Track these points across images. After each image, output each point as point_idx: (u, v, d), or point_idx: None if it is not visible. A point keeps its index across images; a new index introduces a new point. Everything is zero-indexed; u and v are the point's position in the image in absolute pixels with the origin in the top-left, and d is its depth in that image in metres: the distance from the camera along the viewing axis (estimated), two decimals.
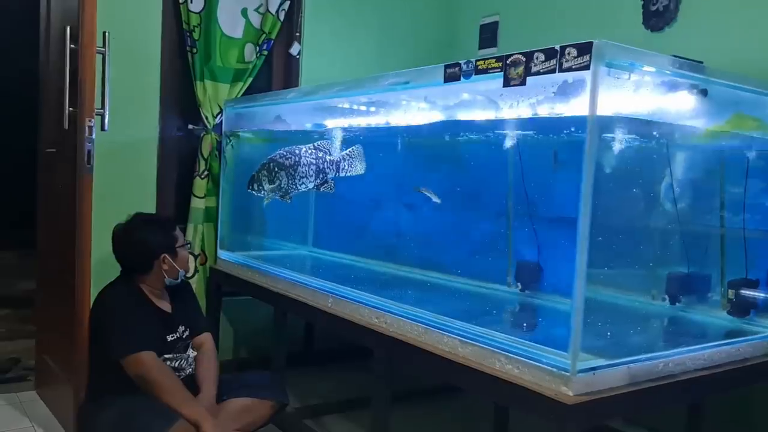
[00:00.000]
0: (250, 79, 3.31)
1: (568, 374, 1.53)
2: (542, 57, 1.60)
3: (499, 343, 1.71)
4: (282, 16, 3.37)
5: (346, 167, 2.57)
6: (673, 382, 1.71)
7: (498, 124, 2.02)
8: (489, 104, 2.09)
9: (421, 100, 2.19)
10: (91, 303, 2.35)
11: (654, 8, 2.81)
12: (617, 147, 1.69)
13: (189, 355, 2.41)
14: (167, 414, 2.10)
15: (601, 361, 1.58)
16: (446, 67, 1.88)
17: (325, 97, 2.57)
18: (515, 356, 1.65)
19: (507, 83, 1.70)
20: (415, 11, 3.88)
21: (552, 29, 3.33)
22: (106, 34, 2.34)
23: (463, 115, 2.14)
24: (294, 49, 3.52)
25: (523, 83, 1.65)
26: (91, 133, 2.26)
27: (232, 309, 3.36)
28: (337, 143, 2.62)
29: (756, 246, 2.03)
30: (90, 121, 2.24)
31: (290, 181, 2.58)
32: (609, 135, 1.69)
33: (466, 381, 1.78)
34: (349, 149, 2.57)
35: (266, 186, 2.64)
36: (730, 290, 1.99)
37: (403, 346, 1.98)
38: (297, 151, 2.57)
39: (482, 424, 2.77)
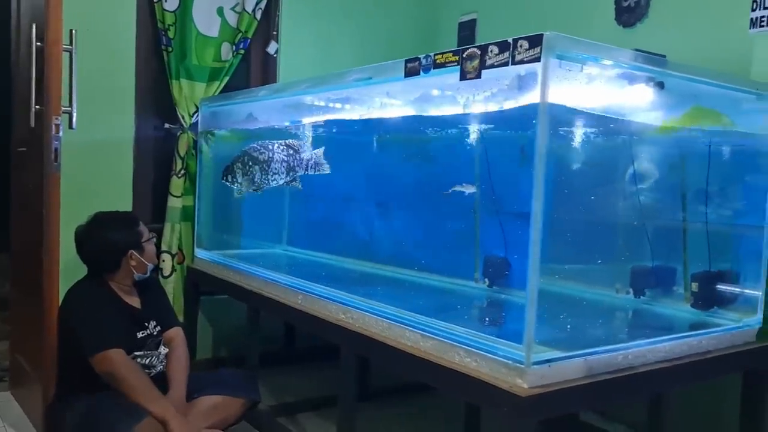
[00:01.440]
0: (227, 78, 3.31)
1: (522, 366, 1.53)
2: (496, 50, 1.60)
3: (458, 336, 1.71)
4: (259, 15, 3.37)
5: (314, 165, 2.58)
6: (632, 375, 1.71)
7: (459, 118, 2.03)
8: (449, 99, 2.10)
9: (384, 95, 2.19)
10: (60, 302, 2.35)
11: (626, 4, 2.82)
12: (573, 140, 1.69)
13: (160, 353, 2.41)
14: (135, 411, 2.09)
15: (557, 353, 1.58)
16: (407, 62, 1.89)
17: (293, 94, 2.57)
18: (474, 350, 1.66)
19: (463, 77, 1.70)
20: (394, 9, 3.88)
21: (529, 26, 3.31)
22: (73, 31, 2.33)
23: (426, 110, 2.15)
24: (271, 48, 3.52)
25: (478, 76, 1.66)
26: (57, 131, 2.25)
27: (210, 308, 3.35)
28: (307, 141, 2.62)
29: (718, 239, 2.03)
30: (56, 119, 2.24)
31: (263, 176, 2.59)
32: (565, 128, 1.69)
33: (428, 375, 1.78)
34: (316, 150, 2.58)
35: (239, 178, 2.65)
36: (693, 283, 1.99)
37: (368, 341, 1.98)
38: (270, 147, 2.58)
39: (454, 421, 2.77)
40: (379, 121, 2.30)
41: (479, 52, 1.65)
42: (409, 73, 1.88)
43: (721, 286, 2.01)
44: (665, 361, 1.81)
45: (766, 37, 2.19)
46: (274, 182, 2.60)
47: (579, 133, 1.72)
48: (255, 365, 2.67)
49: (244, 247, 3.15)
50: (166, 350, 2.44)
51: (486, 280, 2.28)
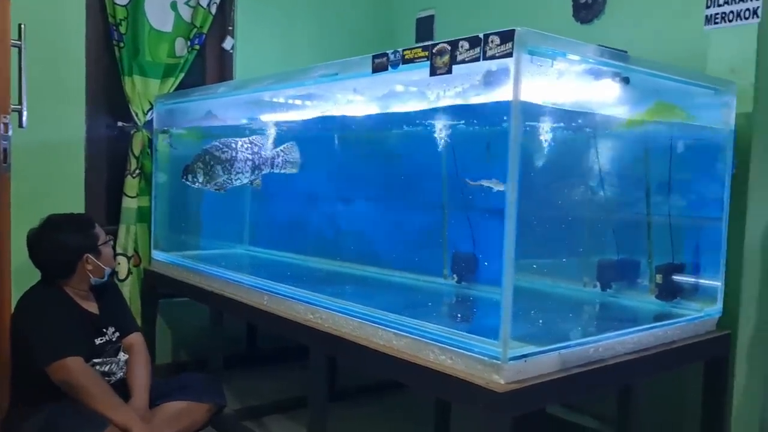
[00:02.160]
0: (182, 75, 3.22)
1: (499, 362, 1.53)
2: (467, 45, 1.59)
3: (432, 334, 1.70)
4: (214, 10, 3.29)
5: (281, 163, 2.53)
6: (603, 366, 1.73)
7: (426, 114, 2.02)
8: (418, 95, 2.08)
9: (350, 91, 2.17)
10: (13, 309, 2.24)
11: (583, 1, 2.86)
12: (543, 135, 1.70)
13: (120, 359, 2.33)
14: (96, 421, 2.02)
15: (532, 348, 1.59)
16: (374, 57, 1.86)
17: (255, 91, 2.51)
18: (448, 347, 1.65)
19: (433, 72, 1.69)
20: (352, 5, 3.85)
21: (486, 22, 3.35)
22: (22, 26, 2.22)
23: (394, 107, 2.13)
24: (227, 44, 3.45)
25: (449, 72, 1.64)
26: (7, 131, 2.14)
27: (169, 311, 3.26)
28: (271, 138, 2.57)
29: (680, 231, 2.08)
30: (5, 118, 2.12)
31: (226, 175, 2.53)
32: (533, 123, 1.70)
33: (402, 374, 1.77)
34: (284, 146, 2.53)
35: (200, 178, 2.58)
36: (657, 275, 2.03)
37: (339, 341, 1.95)
38: (233, 145, 2.51)
39: (424, 419, 2.76)
40: (345, 118, 2.27)
41: (449, 48, 1.64)
42: (377, 68, 1.86)
43: (683, 278, 2.05)
44: (634, 352, 1.84)
45: (720, 33, 2.24)
46: (238, 181, 2.54)
47: (548, 128, 1.72)
48: (218, 368, 2.61)
49: (204, 247, 3.07)
50: (126, 356, 2.37)
51: (455, 276, 2.28)
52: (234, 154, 2.51)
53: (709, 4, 2.29)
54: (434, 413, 2.37)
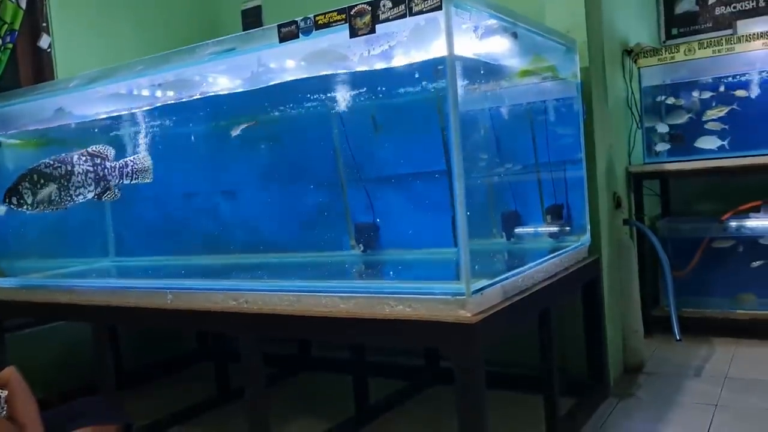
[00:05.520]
0: None
1: (463, 297, 1.63)
2: (389, 4, 1.66)
3: (386, 288, 1.75)
4: (24, 4, 2.95)
5: (131, 173, 2.34)
6: (530, 294, 1.92)
7: (311, 87, 2.04)
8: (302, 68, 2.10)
9: (242, 69, 2.11)
10: None
11: None
12: (464, 92, 1.79)
13: (0, 396, 2.02)
14: None
15: (484, 282, 1.71)
16: (280, 26, 1.84)
17: (120, 80, 2.30)
18: (406, 296, 1.70)
19: (354, 34, 1.72)
20: None
21: (315, 9, 3.41)
22: None
23: (287, 78, 2.12)
24: (43, 42, 3.10)
25: (372, 32, 1.69)
26: None
27: (16, 347, 2.86)
28: (126, 140, 2.39)
29: (557, 175, 2.35)
30: None
31: (63, 193, 2.27)
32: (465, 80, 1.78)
33: (357, 333, 1.79)
34: (134, 156, 2.35)
35: (29, 199, 2.28)
36: (547, 215, 2.28)
37: (274, 318, 1.91)
38: (68, 159, 2.26)
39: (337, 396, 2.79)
40: (231, 99, 2.20)
41: (369, 8, 1.69)
42: (285, 37, 1.84)
43: (562, 216, 2.33)
44: (547, 279, 2.06)
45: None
46: (80, 197, 2.30)
47: (468, 84, 1.81)
48: (111, 388, 2.36)
49: (61, 266, 2.74)
50: (5, 392, 2.05)
51: (360, 245, 2.33)
52: (70, 168, 2.27)
53: None
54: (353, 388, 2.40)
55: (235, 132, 2.32)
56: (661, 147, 3.39)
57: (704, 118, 3.25)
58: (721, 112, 3.20)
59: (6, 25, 2.87)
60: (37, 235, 2.68)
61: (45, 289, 2.52)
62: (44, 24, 3.11)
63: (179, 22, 3.71)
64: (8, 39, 2.89)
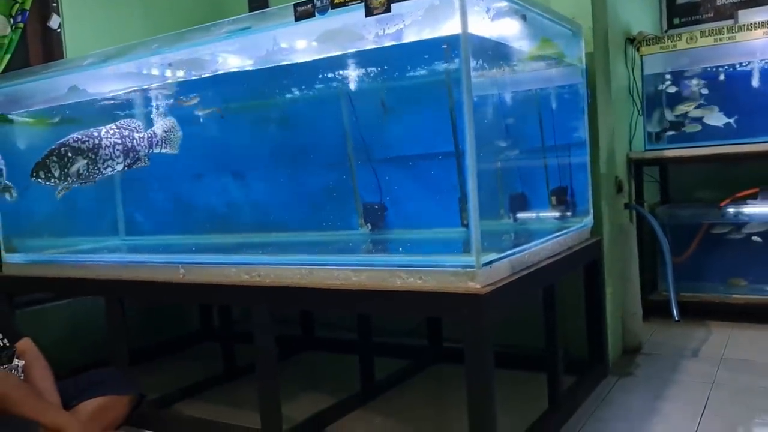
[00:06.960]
0: (8, 56, 2.87)
1: (474, 269, 1.68)
2: None
3: (397, 261, 1.80)
4: None
5: (160, 142, 2.39)
6: (536, 270, 1.97)
7: (323, 67, 2.09)
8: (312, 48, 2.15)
9: (258, 49, 2.15)
10: None
11: None
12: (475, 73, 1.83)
13: (18, 365, 2.07)
14: (24, 427, 1.80)
15: (494, 256, 1.76)
16: (296, 5, 1.88)
17: (133, 59, 2.34)
18: (417, 269, 1.76)
19: (369, 13, 1.76)
20: None
21: None
22: None
23: (300, 59, 2.16)
24: (54, 23, 3.14)
25: (387, 10, 1.74)
26: None
27: (27, 323, 2.90)
28: (150, 113, 2.43)
29: (564, 158, 2.40)
30: None
31: (91, 166, 2.32)
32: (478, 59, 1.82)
33: (369, 304, 1.85)
34: (162, 122, 2.40)
35: (57, 173, 2.34)
36: (552, 197, 2.33)
37: (287, 291, 1.96)
38: (96, 134, 2.32)
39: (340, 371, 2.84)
40: (226, 79, 2.24)
41: None
42: (301, 16, 1.88)
43: (567, 198, 2.38)
44: (551, 257, 2.12)
45: None
46: (109, 169, 2.35)
47: (475, 64, 1.84)
48: (124, 361, 2.41)
49: (72, 244, 2.78)
50: (23, 362, 2.11)
51: (369, 225, 2.37)
52: (97, 142, 2.32)
53: None
54: (359, 368, 2.46)
55: (201, 113, 2.37)
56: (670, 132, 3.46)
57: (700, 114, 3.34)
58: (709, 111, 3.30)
59: (17, 5, 2.90)
60: (47, 214, 2.71)
61: (58, 264, 2.56)
62: (54, 4, 3.14)
63: (186, 5, 3.75)
64: (19, 18, 2.91)
